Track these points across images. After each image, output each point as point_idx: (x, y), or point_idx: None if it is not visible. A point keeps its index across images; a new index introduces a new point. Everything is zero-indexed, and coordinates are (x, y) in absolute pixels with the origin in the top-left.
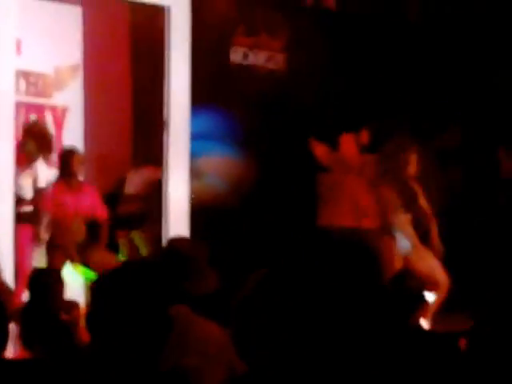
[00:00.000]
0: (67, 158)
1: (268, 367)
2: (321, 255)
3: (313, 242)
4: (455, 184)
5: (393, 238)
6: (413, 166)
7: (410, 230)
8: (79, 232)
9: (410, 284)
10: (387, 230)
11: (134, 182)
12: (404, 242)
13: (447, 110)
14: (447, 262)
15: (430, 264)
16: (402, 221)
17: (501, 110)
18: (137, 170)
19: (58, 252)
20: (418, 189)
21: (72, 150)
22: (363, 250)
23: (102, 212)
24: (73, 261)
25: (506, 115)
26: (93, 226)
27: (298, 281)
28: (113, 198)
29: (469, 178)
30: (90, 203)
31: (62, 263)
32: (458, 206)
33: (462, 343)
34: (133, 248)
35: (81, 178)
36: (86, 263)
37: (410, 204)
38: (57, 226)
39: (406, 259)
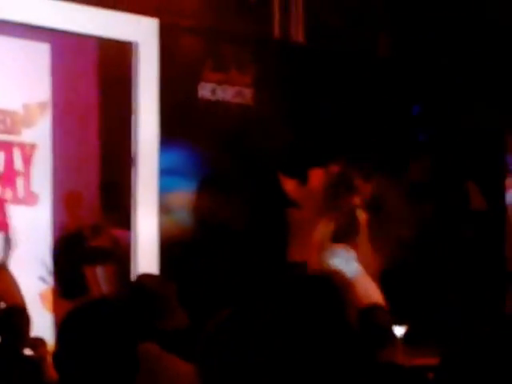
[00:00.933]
0: None
1: None
2: (285, 292)
3: (278, 280)
4: (425, 217)
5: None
6: (358, 196)
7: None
8: None
9: (378, 319)
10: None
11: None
12: (349, 266)
13: (417, 145)
14: (414, 294)
15: (372, 294)
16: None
17: (469, 145)
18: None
19: None
20: (362, 219)
21: None
22: (326, 286)
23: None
24: None
25: (474, 150)
26: None
27: (262, 319)
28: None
29: (438, 211)
30: None
31: None
32: (428, 239)
33: (431, 377)
34: (96, 283)
35: None
36: None
37: (350, 234)
38: None
39: (353, 283)
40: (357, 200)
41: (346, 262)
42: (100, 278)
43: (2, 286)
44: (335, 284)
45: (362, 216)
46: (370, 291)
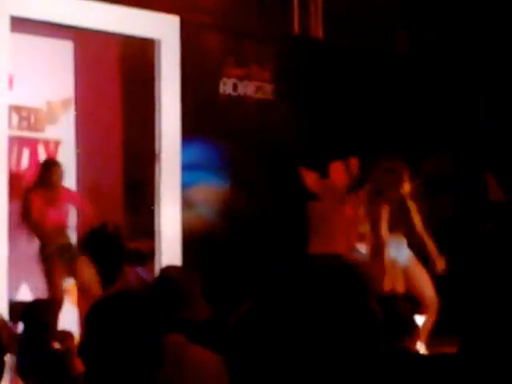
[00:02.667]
0: (48, 169)
1: None
2: (309, 282)
3: (302, 271)
4: (444, 210)
5: (382, 257)
6: (407, 185)
7: (405, 244)
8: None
9: (399, 307)
10: (378, 248)
11: None
12: (401, 254)
13: (435, 138)
14: (437, 286)
15: (424, 281)
16: (397, 236)
17: (488, 137)
18: None
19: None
20: (412, 208)
21: (53, 161)
22: (349, 274)
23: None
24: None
25: (492, 142)
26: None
27: (286, 309)
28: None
29: (457, 203)
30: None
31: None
32: (447, 232)
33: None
34: (140, 281)
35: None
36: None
37: (403, 222)
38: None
39: (404, 272)
40: (406, 189)
41: (397, 251)
42: (143, 276)
43: None
44: (360, 273)
45: (411, 204)
46: (422, 279)
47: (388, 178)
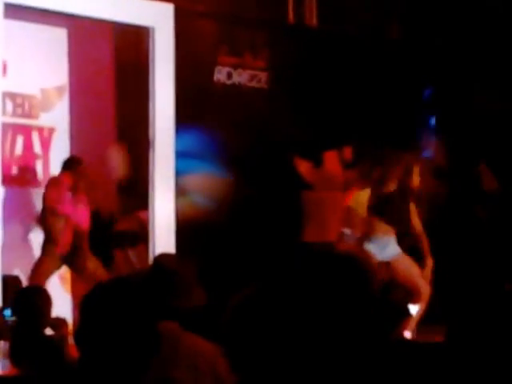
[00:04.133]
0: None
1: (260, 379)
2: (309, 269)
3: (301, 257)
4: (438, 199)
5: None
6: (416, 178)
7: (394, 237)
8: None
9: (395, 296)
10: (368, 238)
11: None
12: (390, 248)
13: (429, 127)
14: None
15: (413, 273)
16: (388, 229)
17: (481, 126)
18: None
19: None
20: (412, 207)
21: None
22: (353, 265)
23: (86, 225)
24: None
25: (486, 131)
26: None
27: (287, 294)
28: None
29: (451, 192)
30: (82, 215)
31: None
32: (441, 220)
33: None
34: (128, 265)
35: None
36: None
37: (398, 218)
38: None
39: (391, 266)
40: (415, 182)
41: (380, 249)
42: (133, 260)
43: None
44: (362, 263)
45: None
46: (413, 270)
47: (396, 171)
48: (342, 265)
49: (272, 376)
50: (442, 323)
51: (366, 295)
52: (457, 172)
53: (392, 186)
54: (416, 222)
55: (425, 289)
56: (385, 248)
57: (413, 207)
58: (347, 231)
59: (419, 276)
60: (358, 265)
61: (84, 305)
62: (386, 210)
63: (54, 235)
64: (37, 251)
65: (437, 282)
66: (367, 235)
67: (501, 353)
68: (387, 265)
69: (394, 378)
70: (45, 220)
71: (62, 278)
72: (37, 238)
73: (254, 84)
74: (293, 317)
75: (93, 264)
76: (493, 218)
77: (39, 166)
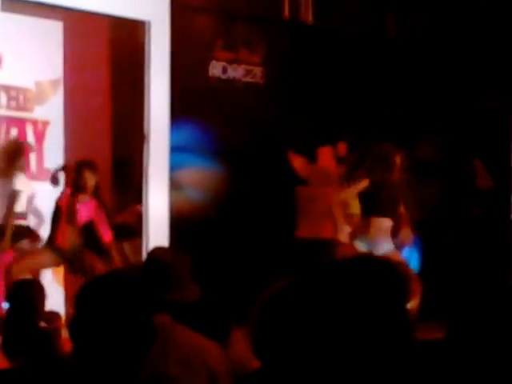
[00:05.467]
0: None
1: (282, 369)
2: (346, 272)
3: (341, 261)
4: (432, 196)
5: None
6: (398, 170)
7: (388, 234)
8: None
9: None
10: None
11: None
12: (384, 245)
13: (424, 123)
14: (423, 272)
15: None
16: (385, 224)
17: (476, 124)
18: None
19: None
20: (400, 194)
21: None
22: (390, 271)
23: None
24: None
25: (480, 128)
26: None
27: (322, 291)
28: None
29: (445, 189)
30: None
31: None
32: (435, 217)
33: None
34: (123, 259)
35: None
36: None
37: (391, 208)
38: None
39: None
40: (396, 175)
41: (371, 246)
42: (128, 252)
43: None
44: (399, 272)
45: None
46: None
47: (379, 165)
48: (380, 271)
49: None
50: (437, 321)
51: (396, 304)
52: (451, 169)
53: (379, 176)
54: (403, 211)
55: (416, 285)
56: (376, 245)
57: (399, 195)
58: (346, 228)
59: (411, 272)
60: (395, 274)
61: (79, 298)
62: (375, 201)
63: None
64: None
65: (430, 278)
66: (358, 231)
67: (499, 350)
68: None
69: (396, 377)
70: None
71: (54, 272)
72: None
73: (249, 79)
74: (322, 315)
75: (89, 258)
76: (487, 215)
77: (33, 159)
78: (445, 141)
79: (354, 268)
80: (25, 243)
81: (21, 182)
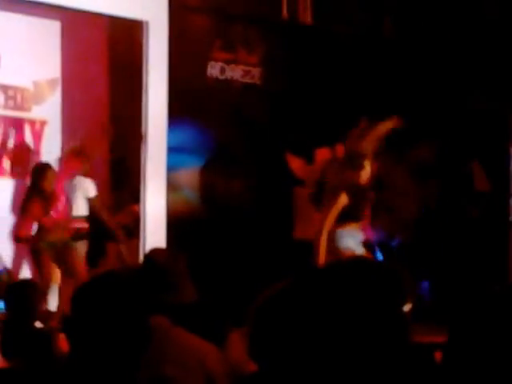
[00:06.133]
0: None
1: (279, 371)
2: (347, 274)
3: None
4: (430, 197)
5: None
6: (365, 174)
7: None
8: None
9: None
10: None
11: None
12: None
13: (422, 126)
14: (422, 274)
15: None
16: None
17: (474, 126)
18: None
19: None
20: (368, 198)
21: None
22: (390, 275)
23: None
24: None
25: (478, 130)
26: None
27: (319, 293)
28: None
29: (443, 191)
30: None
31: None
32: (433, 219)
33: (438, 355)
34: (120, 259)
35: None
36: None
37: (357, 213)
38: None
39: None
40: (364, 179)
41: (357, 243)
42: (125, 253)
43: None
44: (397, 274)
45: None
46: None
47: (346, 171)
48: (378, 273)
49: (294, 372)
50: (437, 324)
51: (393, 306)
52: (449, 171)
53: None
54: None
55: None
56: (359, 243)
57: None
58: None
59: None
60: (392, 275)
61: (75, 298)
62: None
63: None
64: None
65: (432, 282)
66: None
67: (499, 351)
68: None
69: (392, 379)
70: None
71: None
72: None
73: (246, 80)
74: (319, 317)
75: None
76: (483, 217)
77: (31, 159)
78: (443, 142)
79: (352, 269)
80: None
81: None
